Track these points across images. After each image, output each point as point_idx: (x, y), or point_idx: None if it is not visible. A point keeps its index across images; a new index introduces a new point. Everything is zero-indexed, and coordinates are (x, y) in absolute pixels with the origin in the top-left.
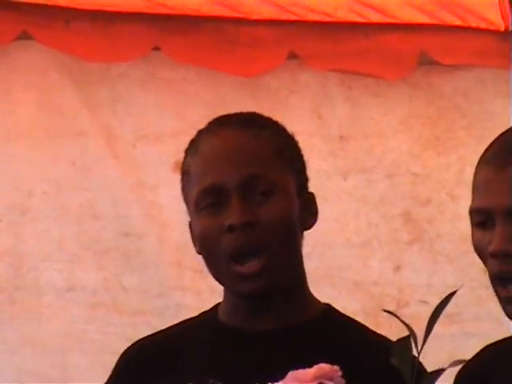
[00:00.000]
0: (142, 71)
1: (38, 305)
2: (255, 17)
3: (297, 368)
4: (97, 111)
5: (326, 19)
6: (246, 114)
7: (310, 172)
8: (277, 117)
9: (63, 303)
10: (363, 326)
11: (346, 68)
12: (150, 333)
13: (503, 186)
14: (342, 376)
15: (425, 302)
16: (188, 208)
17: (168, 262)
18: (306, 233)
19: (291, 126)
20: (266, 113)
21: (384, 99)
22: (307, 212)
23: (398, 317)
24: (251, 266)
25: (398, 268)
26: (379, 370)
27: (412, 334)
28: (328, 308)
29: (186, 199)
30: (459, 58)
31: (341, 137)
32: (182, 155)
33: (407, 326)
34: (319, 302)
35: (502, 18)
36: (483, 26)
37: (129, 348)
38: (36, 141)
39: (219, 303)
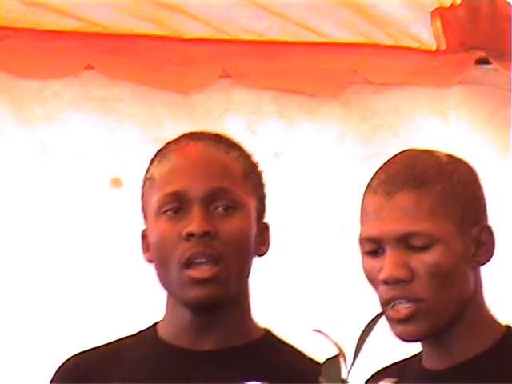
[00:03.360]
0: (75, 90)
1: None
2: (187, 36)
3: None
4: (31, 128)
5: (259, 39)
6: (216, 132)
7: None
8: None
9: None
10: (298, 350)
11: (279, 86)
12: None
13: (392, 214)
14: None
15: None
16: (145, 216)
17: None
18: None
19: None
20: None
21: (317, 116)
22: (261, 239)
23: (328, 337)
24: (203, 270)
25: None
26: None
27: (341, 353)
28: (268, 332)
29: (144, 206)
30: (391, 76)
31: (275, 153)
32: (116, 172)
33: (337, 345)
34: (259, 325)
35: (434, 37)
36: (415, 45)
37: (66, 363)
38: None
39: (158, 322)
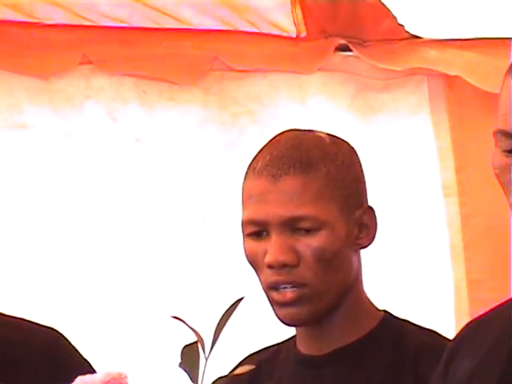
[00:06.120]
0: None
1: None
2: (48, 22)
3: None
4: None
5: (120, 25)
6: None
7: (107, 176)
8: (73, 122)
9: None
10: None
11: (140, 73)
12: None
13: (278, 198)
14: None
15: None
16: None
17: None
18: None
19: (87, 131)
20: (62, 118)
21: (178, 103)
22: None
23: (186, 323)
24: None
25: None
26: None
27: (199, 339)
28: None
29: None
30: (252, 63)
31: (136, 139)
32: None
33: (195, 331)
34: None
35: (294, 24)
36: (276, 32)
37: None
38: None
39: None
